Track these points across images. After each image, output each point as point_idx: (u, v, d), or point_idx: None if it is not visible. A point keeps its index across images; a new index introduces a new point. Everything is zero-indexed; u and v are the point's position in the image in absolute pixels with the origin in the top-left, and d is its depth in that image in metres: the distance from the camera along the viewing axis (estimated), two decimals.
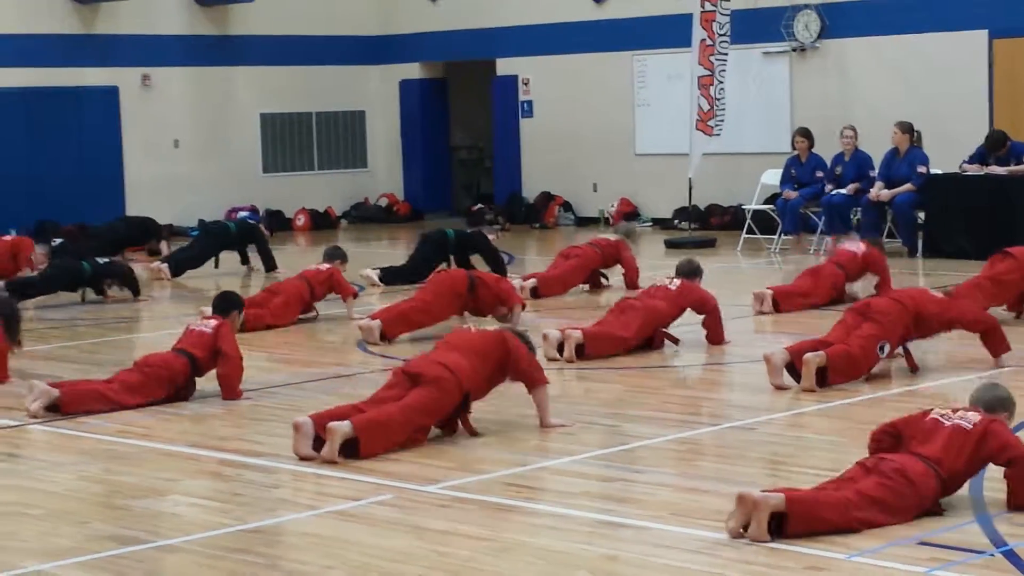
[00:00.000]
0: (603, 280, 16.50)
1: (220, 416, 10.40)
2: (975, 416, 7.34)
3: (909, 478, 7.06)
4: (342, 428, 8.71)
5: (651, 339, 12.41)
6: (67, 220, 23.36)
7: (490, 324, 13.40)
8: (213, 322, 10.98)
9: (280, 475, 8.60)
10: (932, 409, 7.54)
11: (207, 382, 10.89)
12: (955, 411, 7.43)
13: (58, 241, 21.10)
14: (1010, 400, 7.61)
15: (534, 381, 9.47)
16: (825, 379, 10.40)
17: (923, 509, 7.12)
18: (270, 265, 18.76)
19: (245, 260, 19.26)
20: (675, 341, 12.54)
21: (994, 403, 7.51)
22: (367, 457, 8.74)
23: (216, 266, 19.03)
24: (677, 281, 12.70)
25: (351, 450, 8.74)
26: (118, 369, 11.06)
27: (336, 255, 15.22)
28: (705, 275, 13.18)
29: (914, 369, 10.94)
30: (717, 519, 7.09)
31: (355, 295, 14.95)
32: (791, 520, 6.80)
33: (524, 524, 7.47)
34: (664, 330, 12.51)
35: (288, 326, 14.41)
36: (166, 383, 10.69)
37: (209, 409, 10.58)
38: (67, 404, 10.41)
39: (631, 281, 16.02)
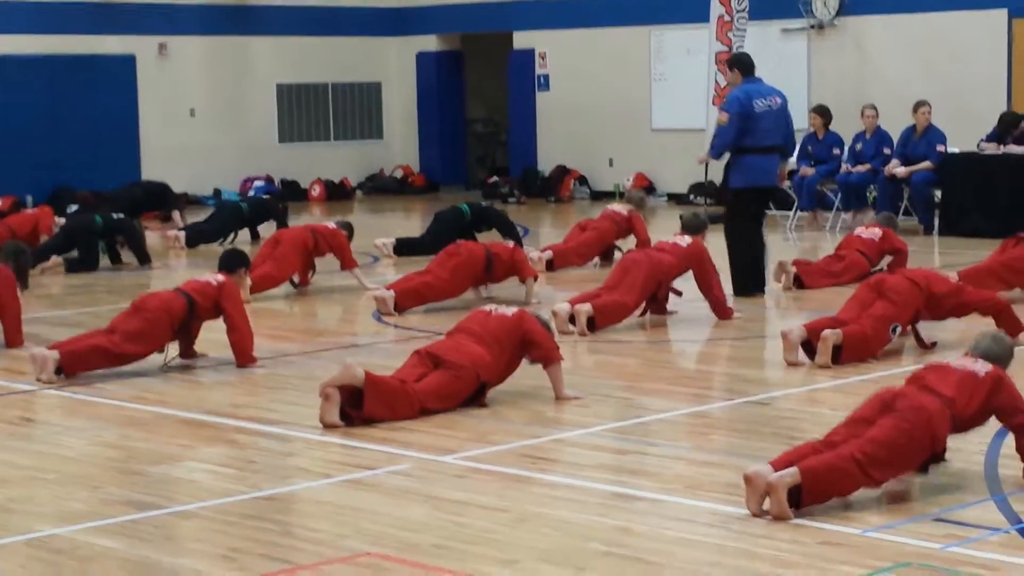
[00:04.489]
0: (617, 251, 16.46)
1: (235, 384, 10.42)
2: (985, 365, 7.34)
3: (925, 417, 7.02)
4: (356, 372, 8.79)
5: (655, 294, 12.43)
6: (83, 187, 23.38)
7: (506, 295, 13.43)
8: (221, 277, 10.90)
9: (295, 443, 8.62)
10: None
11: (222, 349, 10.89)
12: (964, 356, 7.47)
13: (74, 207, 21.14)
14: (1011, 354, 7.65)
15: (550, 359, 9.50)
16: (839, 357, 10.41)
17: (933, 451, 7.11)
18: None
19: (255, 236, 19.26)
20: (678, 293, 12.59)
21: (1002, 356, 7.51)
22: (368, 415, 8.80)
23: (231, 243, 19.05)
24: (687, 238, 12.66)
25: (355, 402, 8.80)
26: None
27: (344, 226, 15.14)
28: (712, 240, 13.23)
29: (924, 347, 10.93)
30: (731, 493, 7.10)
31: (357, 265, 14.83)
32: (806, 494, 6.79)
33: (539, 495, 7.47)
34: (670, 285, 12.54)
35: (292, 276, 14.42)
36: (167, 326, 10.56)
37: (224, 377, 10.60)
38: (69, 366, 10.36)
39: (642, 247, 15.94)
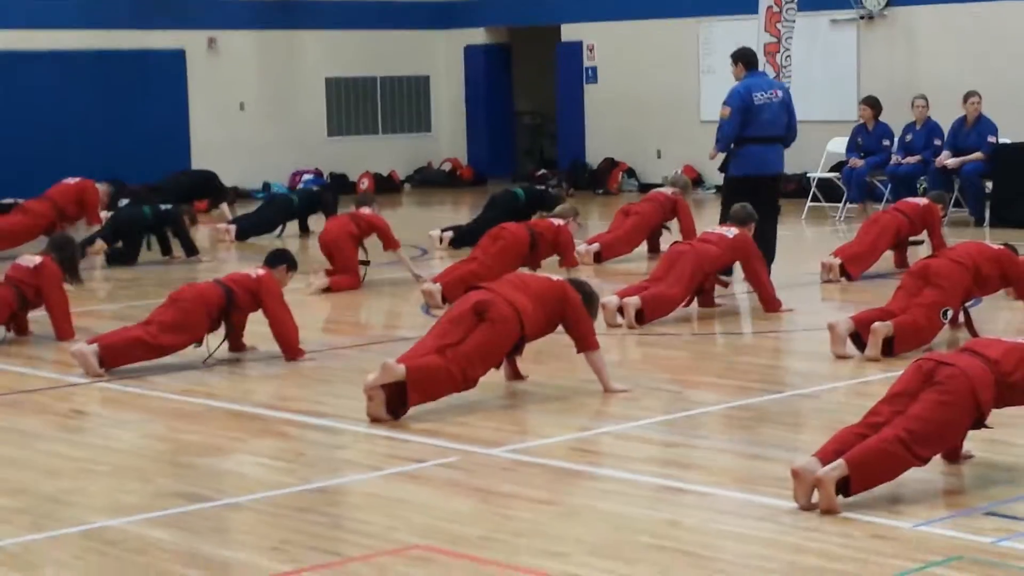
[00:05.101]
0: (666, 230, 16.42)
1: (284, 377, 10.46)
2: None
3: (967, 384, 6.94)
4: (397, 370, 8.74)
5: (702, 285, 12.41)
6: (134, 182, 23.46)
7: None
8: (261, 271, 10.95)
9: (344, 436, 8.64)
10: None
11: (270, 343, 10.91)
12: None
13: (124, 202, 21.21)
14: None
15: (585, 344, 9.42)
16: (891, 349, 10.34)
17: (979, 417, 7.04)
18: None
19: (305, 229, 19.31)
20: (725, 284, 12.56)
21: None
22: (416, 404, 8.80)
23: (280, 235, 19.12)
24: (734, 230, 12.61)
25: (401, 395, 8.78)
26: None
27: (366, 200, 15.13)
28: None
29: (976, 336, 10.85)
30: (780, 486, 7.07)
31: (399, 246, 14.80)
32: (855, 483, 6.77)
33: (587, 488, 7.48)
34: (717, 275, 12.51)
35: (349, 269, 14.41)
36: (203, 317, 10.59)
37: (273, 369, 10.63)
38: (108, 360, 10.38)
39: (687, 234, 15.90)
